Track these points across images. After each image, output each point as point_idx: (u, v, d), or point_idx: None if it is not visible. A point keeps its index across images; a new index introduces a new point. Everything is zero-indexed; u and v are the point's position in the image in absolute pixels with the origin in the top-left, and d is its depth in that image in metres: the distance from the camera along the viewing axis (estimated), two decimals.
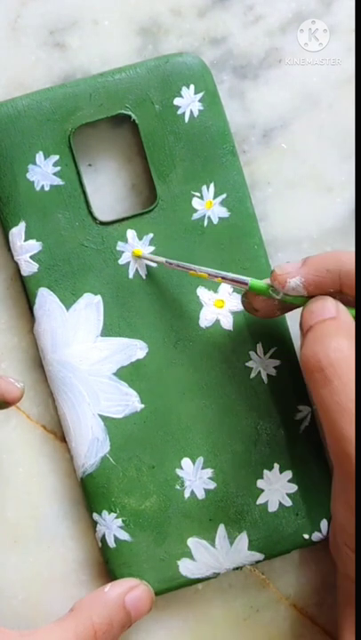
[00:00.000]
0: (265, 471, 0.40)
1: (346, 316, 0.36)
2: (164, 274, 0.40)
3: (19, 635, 0.36)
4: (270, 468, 0.40)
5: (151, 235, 0.39)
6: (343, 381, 0.34)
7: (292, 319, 0.41)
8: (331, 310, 0.36)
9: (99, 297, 0.39)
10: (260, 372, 0.40)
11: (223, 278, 0.38)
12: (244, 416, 0.40)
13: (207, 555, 0.39)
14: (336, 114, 0.41)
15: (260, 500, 0.39)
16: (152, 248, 0.39)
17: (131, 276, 0.39)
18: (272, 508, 0.39)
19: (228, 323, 0.40)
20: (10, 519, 0.40)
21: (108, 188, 0.41)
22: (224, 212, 0.40)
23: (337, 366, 0.34)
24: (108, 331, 0.39)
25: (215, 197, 0.40)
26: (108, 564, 0.39)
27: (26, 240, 0.39)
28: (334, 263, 0.36)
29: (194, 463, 0.39)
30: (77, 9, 0.41)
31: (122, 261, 0.39)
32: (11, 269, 0.40)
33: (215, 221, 0.40)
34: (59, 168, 0.39)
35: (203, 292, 0.40)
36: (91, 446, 0.39)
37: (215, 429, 0.40)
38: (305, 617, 0.41)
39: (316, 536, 0.40)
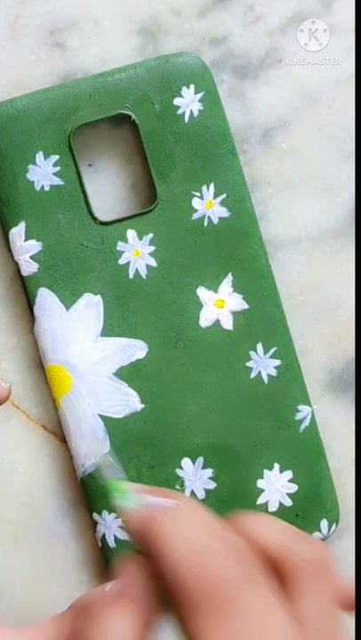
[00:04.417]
0: (265, 471, 0.40)
1: None
2: (165, 274, 0.40)
3: (16, 630, 0.36)
4: (270, 468, 0.40)
5: (151, 235, 0.39)
6: None
7: (293, 319, 0.41)
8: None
9: (99, 297, 0.39)
10: (260, 372, 0.40)
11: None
12: (244, 416, 0.40)
13: None
14: (336, 114, 0.41)
15: (260, 500, 0.39)
16: (152, 248, 0.39)
17: (131, 276, 0.39)
18: (272, 507, 0.39)
19: (228, 323, 0.40)
20: (10, 519, 0.40)
21: (107, 188, 0.41)
22: (224, 212, 0.40)
23: None
24: (108, 331, 0.39)
25: (215, 197, 0.40)
26: (108, 564, 0.39)
27: (26, 240, 0.39)
28: None
29: (194, 463, 0.39)
30: (77, 9, 0.41)
31: (122, 261, 0.39)
32: (11, 269, 0.40)
33: (215, 221, 0.40)
34: (59, 168, 0.39)
35: (203, 292, 0.40)
36: (91, 446, 0.39)
37: (215, 429, 0.40)
38: None
39: (316, 536, 0.40)
